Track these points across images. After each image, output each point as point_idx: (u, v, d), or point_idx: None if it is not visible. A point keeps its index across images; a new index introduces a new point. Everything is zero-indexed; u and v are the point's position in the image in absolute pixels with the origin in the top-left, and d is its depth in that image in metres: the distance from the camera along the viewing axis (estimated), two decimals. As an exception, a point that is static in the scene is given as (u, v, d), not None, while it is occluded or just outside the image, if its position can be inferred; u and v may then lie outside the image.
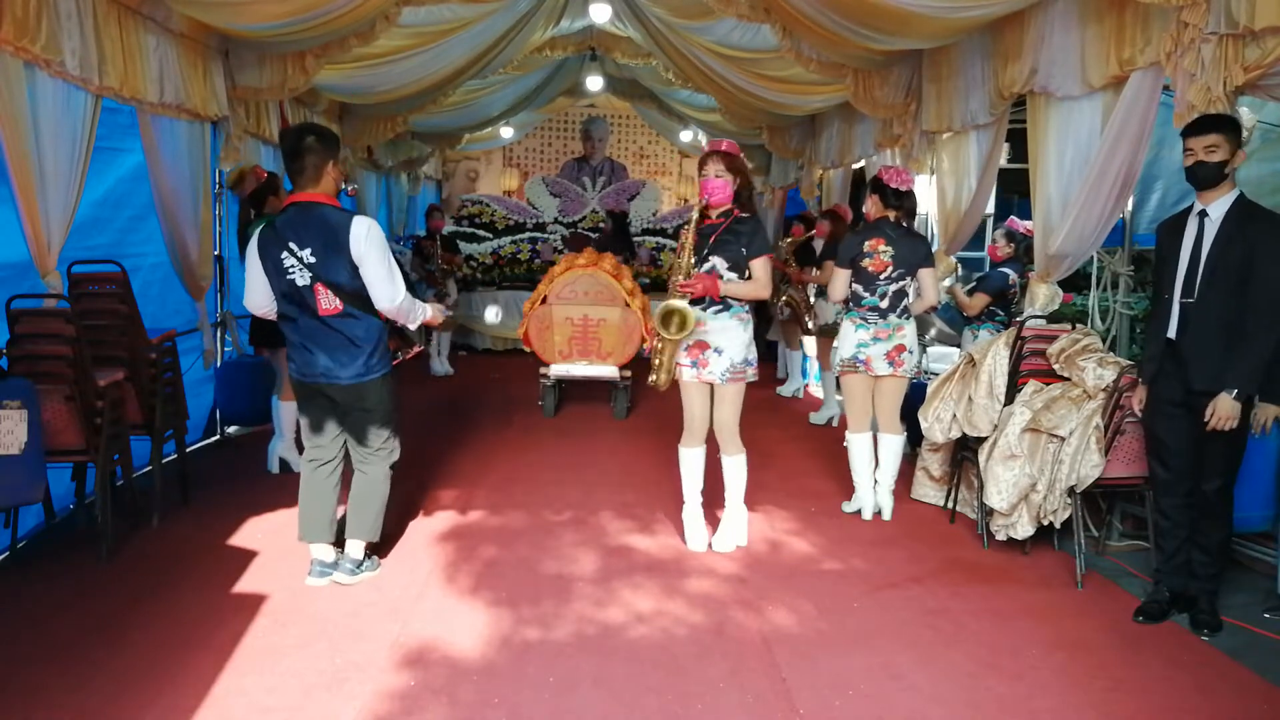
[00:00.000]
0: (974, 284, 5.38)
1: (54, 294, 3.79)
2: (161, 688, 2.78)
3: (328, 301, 3.39)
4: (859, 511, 4.60)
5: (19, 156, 3.58)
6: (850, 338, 4.47)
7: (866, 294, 4.44)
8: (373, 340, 3.49)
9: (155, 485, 4.29)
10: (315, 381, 3.50)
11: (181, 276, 5.21)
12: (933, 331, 5.82)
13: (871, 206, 4.54)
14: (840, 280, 4.48)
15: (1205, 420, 3.19)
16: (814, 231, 7.05)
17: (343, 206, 3.50)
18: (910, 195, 4.49)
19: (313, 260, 3.34)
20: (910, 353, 4.48)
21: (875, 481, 4.59)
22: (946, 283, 6.19)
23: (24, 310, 3.66)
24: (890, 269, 4.40)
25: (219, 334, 6.11)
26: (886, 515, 4.57)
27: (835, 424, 6.58)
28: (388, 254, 3.43)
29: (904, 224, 4.48)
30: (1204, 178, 3.24)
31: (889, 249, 4.39)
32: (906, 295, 4.48)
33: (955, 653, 3.15)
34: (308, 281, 3.37)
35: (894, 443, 4.55)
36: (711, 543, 4.09)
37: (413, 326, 3.68)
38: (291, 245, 3.35)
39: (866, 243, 4.42)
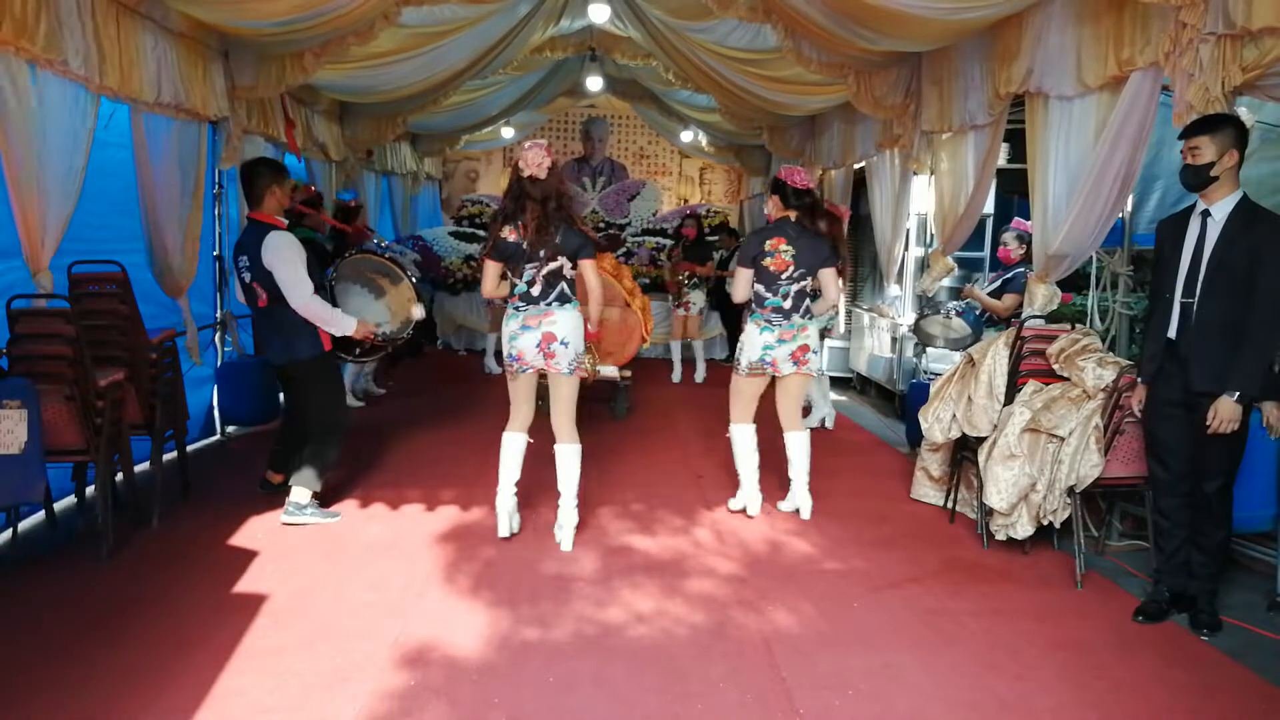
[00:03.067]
0: (997, 286, 5.37)
1: (54, 294, 3.79)
2: (161, 688, 2.78)
3: (262, 295, 4.18)
4: (744, 509, 4.57)
5: (17, 155, 3.57)
6: (756, 340, 4.45)
7: (769, 294, 4.42)
8: (298, 326, 4.18)
9: (155, 485, 4.30)
10: (270, 361, 4.45)
11: (158, 276, 5.08)
12: (939, 341, 5.79)
13: (772, 207, 4.53)
14: (743, 280, 4.47)
15: (1207, 422, 3.19)
16: None
17: (281, 223, 4.21)
18: (810, 194, 4.47)
19: (248, 264, 4.16)
20: (814, 353, 4.48)
21: (787, 480, 4.62)
22: (945, 282, 6.18)
23: (24, 310, 3.66)
24: (792, 269, 4.38)
25: (219, 334, 6.11)
26: (805, 514, 4.55)
27: (828, 425, 6.54)
28: (294, 263, 4.08)
29: (805, 224, 4.44)
30: (1186, 180, 3.28)
31: (790, 248, 4.37)
32: (808, 296, 4.47)
33: (955, 653, 3.16)
34: (248, 280, 4.20)
35: (801, 438, 4.56)
36: (560, 540, 4.09)
37: (335, 332, 4.24)
38: (243, 252, 4.19)
39: (767, 242, 4.40)
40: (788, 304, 4.40)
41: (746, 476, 4.56)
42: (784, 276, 4.38)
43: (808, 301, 4.46)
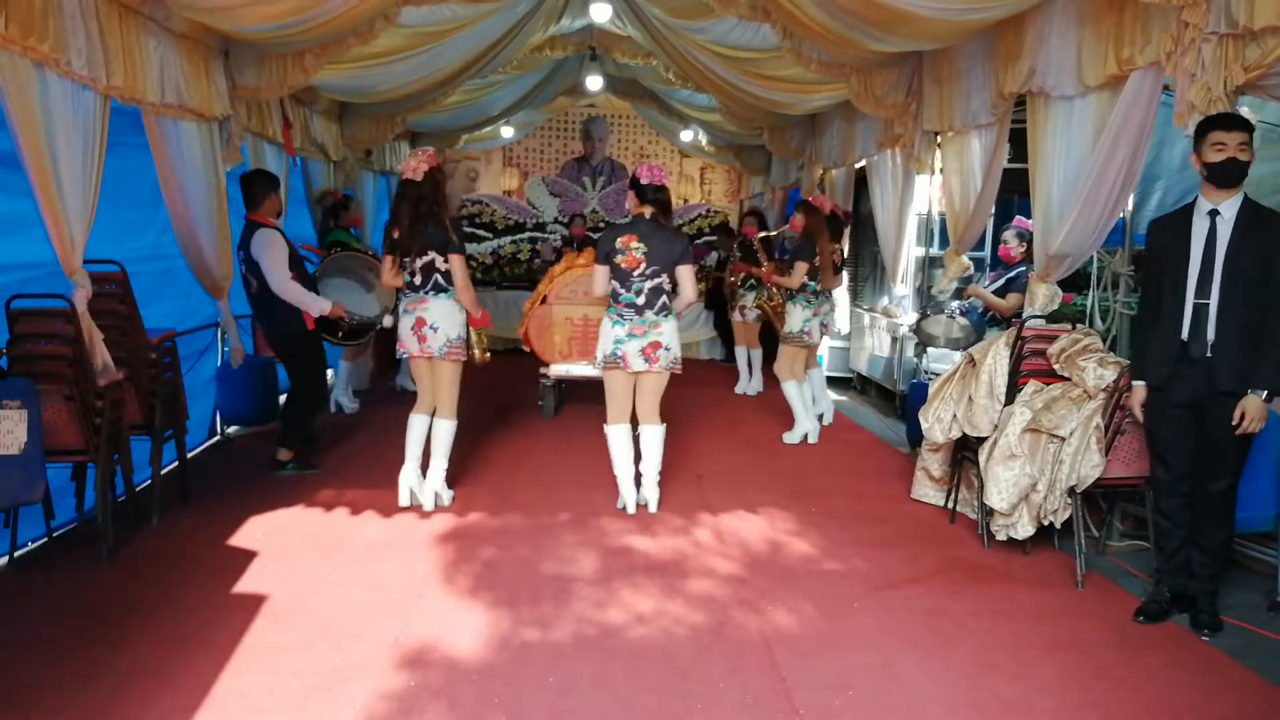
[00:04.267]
0: (999, 285, 5.36)
1: (54, 294, 3.77)
2: (161, 688, 2.78)
3: (253, 284, 4.96)
4: (624, 508, 4.61)
5: (35, 157, 3.53)
6: (608, 334, 4.49)
7: (624, 290, 4.43)
8: (279, 309, 4.92)
9: (155, 485, 4.29)
10: (266, 337, 5.33)
11: (198, 276, 5.16)
12: (940, 341, 5.78)
13: (629, 203, 4.57)
14: (599, 276, 4.50)
15: (1234, 423, 3.18)
16: (786, 226, 6.92)
17: (272, 222, 4.97)
18: (664, 190, 4.50)
19: (244, 257, 4.95)
20: (667, 349, 4.48)
21: (640, 474, 4.66)
22: (954, 284, 6.17)
23: (24, 310, 3.65)
24: (644, 265, 4.39)
25: (219, 334, 6.10)
26: (653, 508, 4.60)
27: (811, 440, 6.23)
28: (275, 256, 4.84)
29: (660, 220, 4.46)
30: (1234, 174, 3.19)
31: (641, 245, 4.38)
32: (665, 292, 4.47)
33: (955, 653, 3.15)
34: (244, 271, 4.98)
35: (655, 433, 4.60)
36: (423, 503, 4.56)
37: (313, 312, 4.97)
38: (241, 248, 4.97)
39: (619, 239, 4.42)
40: (641, 300, 4.42)
41: (622, 476, 4.62)
42: (636, 274, 4.40)
43: (664, 299, 4.47)
